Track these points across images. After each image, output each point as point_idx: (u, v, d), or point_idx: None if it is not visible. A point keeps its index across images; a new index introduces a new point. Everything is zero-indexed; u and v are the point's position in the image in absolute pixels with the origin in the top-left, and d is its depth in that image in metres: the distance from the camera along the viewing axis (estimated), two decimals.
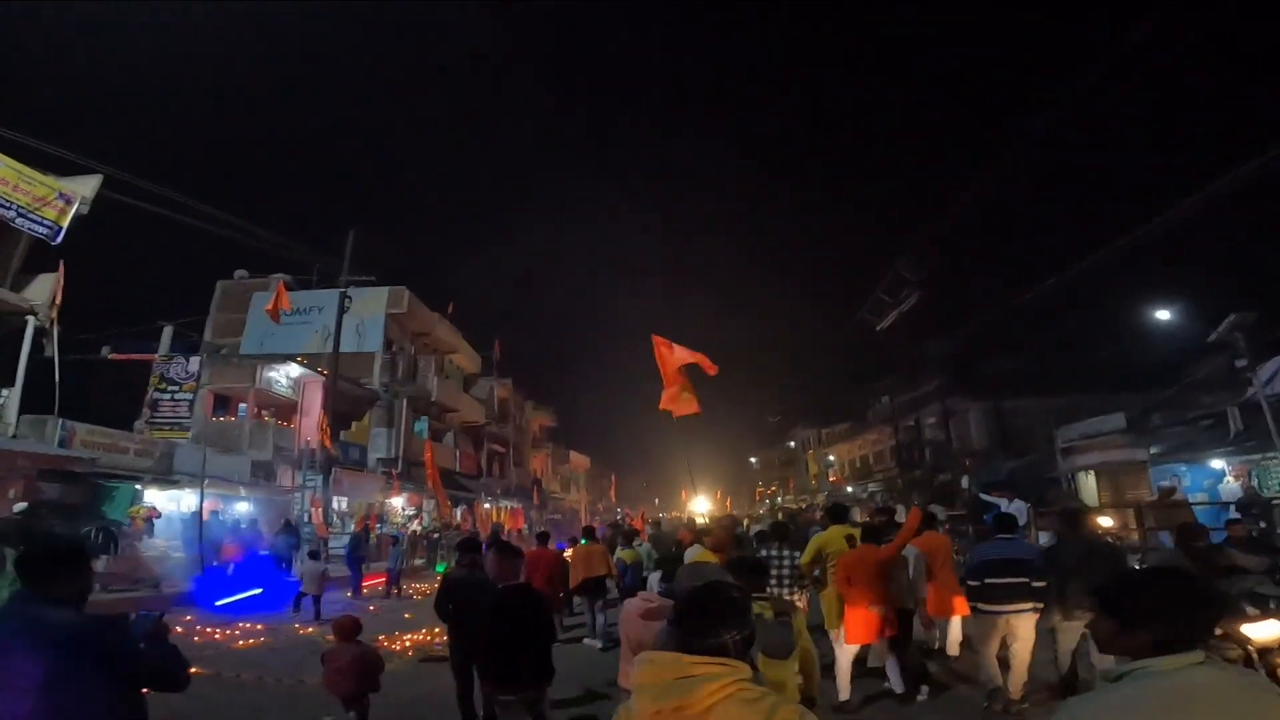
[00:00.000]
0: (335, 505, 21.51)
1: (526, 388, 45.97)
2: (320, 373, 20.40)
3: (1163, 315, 15.25)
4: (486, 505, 32.97)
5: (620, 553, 9.03)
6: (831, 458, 47.19)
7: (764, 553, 6.17)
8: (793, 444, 58.89)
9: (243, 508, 16.27)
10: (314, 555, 11.33)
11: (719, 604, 1.59)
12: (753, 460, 70.43)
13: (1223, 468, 11.62)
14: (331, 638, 4.93)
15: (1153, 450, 12.96)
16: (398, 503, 24.65)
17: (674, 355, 9.44)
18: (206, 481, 13.43)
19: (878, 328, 24.94)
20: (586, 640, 8.40)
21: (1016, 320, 24.62)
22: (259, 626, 9.51)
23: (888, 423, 31.12)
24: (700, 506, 34.66)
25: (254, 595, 11.98)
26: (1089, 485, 15.01)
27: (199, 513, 12.53)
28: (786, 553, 6.17)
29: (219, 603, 11.49)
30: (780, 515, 12.51)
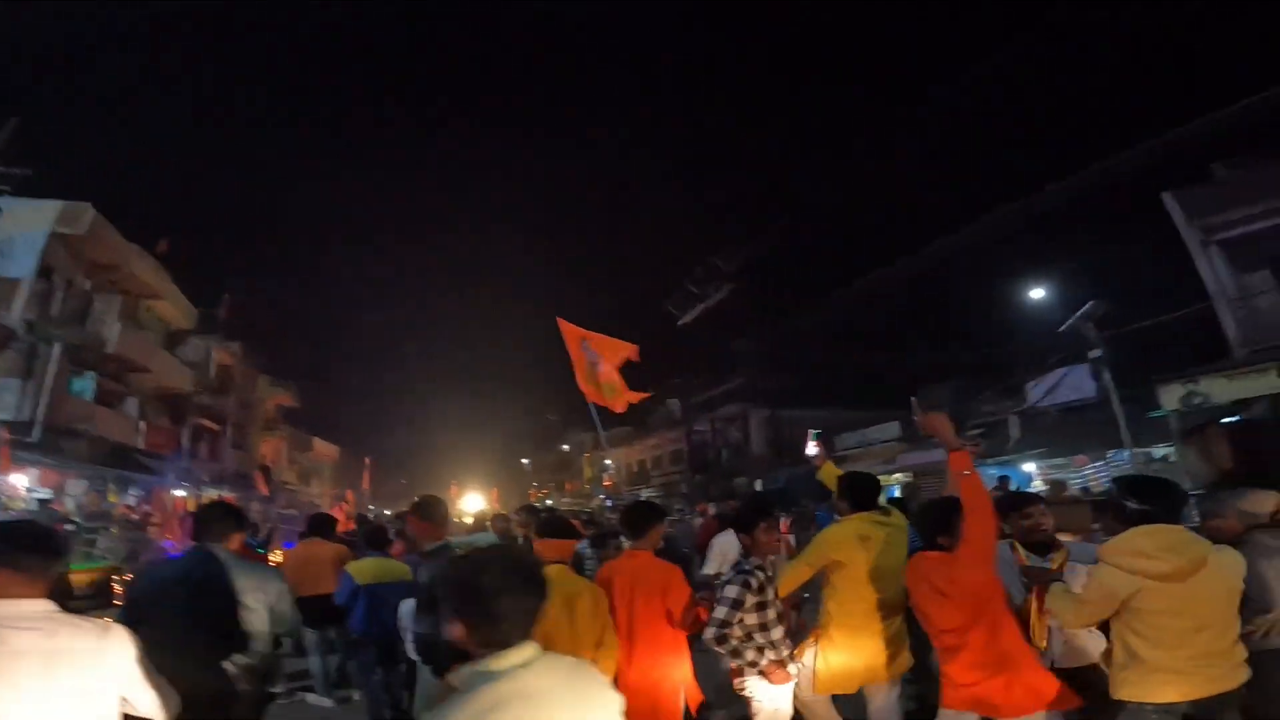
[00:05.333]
0: None
1: (264, 358, 37.92)
2: None
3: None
4: (180, 492, 25.47)
5: (353, 565, 4.86)
6: (609, 461, 46.40)
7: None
8: (567, 447, 57.21)
9: None
10: None
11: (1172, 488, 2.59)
12: (525, 461, 67.64)
13: (1031, 472, 11.89)
14: None
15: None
16: (20, 481, 17.22)
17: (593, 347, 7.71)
18: None
19: (679, 323, 23.92)
20: (310, 697, 5.79)
21: (796, 334, 25.34)
22: None
23: (673, 427, 30.51)
24: (472, 504, 31.08)
25: None
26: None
27: None
28: None
29: None
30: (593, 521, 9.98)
